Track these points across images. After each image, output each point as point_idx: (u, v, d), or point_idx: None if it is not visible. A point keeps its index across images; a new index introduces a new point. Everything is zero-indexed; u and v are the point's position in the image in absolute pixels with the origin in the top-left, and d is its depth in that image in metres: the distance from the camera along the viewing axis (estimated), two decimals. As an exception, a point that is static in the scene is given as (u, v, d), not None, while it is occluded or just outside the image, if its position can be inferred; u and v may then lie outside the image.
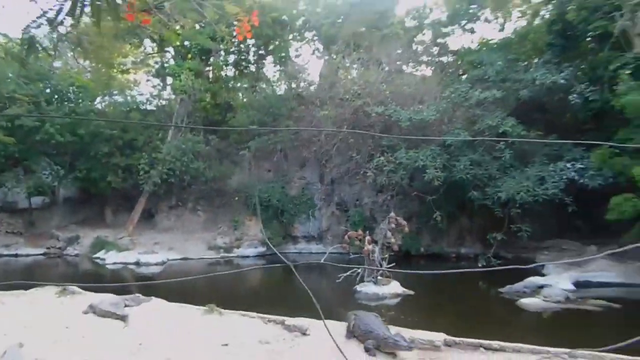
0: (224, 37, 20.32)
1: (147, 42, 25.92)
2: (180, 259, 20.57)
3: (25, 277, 17.21)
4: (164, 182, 22.43)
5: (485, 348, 7.07)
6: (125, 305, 9.00)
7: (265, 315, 9.05)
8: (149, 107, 26.16)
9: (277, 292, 15.11)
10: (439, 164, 17.49)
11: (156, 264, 19.72)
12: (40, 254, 21.76)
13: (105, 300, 9.00)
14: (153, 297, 9.89)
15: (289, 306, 10.84)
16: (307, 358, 6.91)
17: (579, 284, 13.46)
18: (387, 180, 18.72)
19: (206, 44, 23.38)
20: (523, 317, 11.65)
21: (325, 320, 8.80)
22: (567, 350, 6.48)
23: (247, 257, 21.22)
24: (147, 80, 28.57)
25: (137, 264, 19.70)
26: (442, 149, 17.99)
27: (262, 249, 21.71)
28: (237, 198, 23.10)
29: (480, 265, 15.96)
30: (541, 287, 13.03)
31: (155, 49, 27.26)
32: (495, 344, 7.08)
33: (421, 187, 18.77)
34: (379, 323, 7.36)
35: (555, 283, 13.24)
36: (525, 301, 12.14)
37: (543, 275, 14.35)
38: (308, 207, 22.46)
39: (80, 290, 10.50)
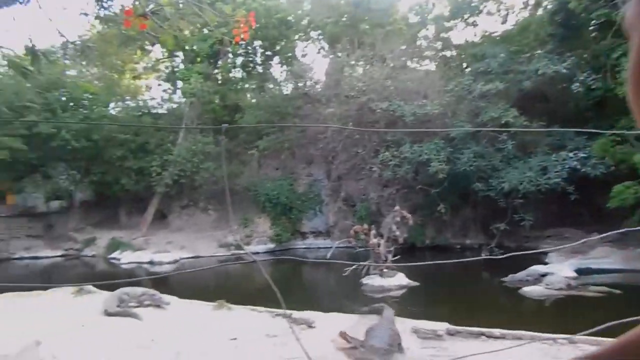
0: (222, 40, 20.76)
1: (157, 47, 26.48)
2: (192, 257, 21.15)
3: (44, 279, 17.93)
4: (175, 183, 23.05)
5: (486, 336, 7.30)
6: (137, 304, 9.53)
7: (273, 310, 9.43)
8: (160, 111, 26.84)
9: (285, 286, 15.55)
10: (442, 157, 17.75)
11: (169, 263, 20.33)
12: (59, 256, 22.54)
13: (120, 297, 9.55)
14: (165, 295, 10.40)
15: (297, 300, 11.26)
16: (312, 349, 7.29)
17: (580, 271, 13.63)
18: (393, 175, 19.04)
19: (204, 49, 23.92)
20: (525, 305, 11.89)
21: (332, 313, 9.19)
22: (568, 336, 6.61)
23: (257, 253, 21.69)
24: (159, 85, 29.23)
25: (151, 263, 20.34)
26: (445, 143, 18.23)
27: (271, 246, 22.19)
28: (247, 196, 23.61)
29: (483, 255, 16.23)
30: (543, 275, 13.20)
31: (165, 54, 27.84)
32: (496, 331, 7.30)
33: (425, 180, 19.04)
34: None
35: (557, 271, 13.41)
36: (528, 289, 12.32)
37: (545, 263, 14.52)
38: (315, 203, 22.87)
39: (96, 289, 11.09)
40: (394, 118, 20.01)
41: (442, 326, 7.85)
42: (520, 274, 13.30)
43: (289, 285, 15.31)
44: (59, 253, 22.67)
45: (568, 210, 17.01)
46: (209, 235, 23.03)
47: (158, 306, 9.59)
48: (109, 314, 8.98)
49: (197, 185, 24.05)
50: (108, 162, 23.31)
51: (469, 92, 18.83)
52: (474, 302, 11.93)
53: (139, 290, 9.87)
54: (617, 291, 11.62)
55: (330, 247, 17.75)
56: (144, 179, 23.50)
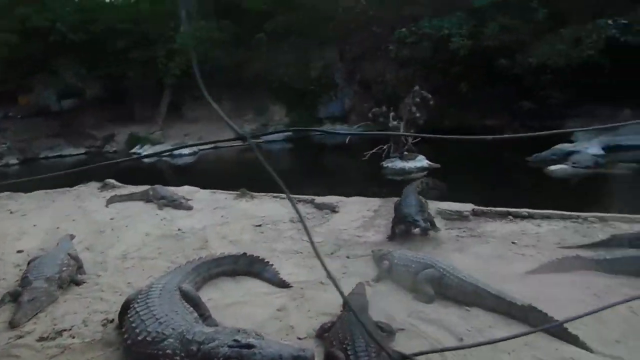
0: None
1: None
2: (212, 148, 21.22)
3: (72, 175, 18.32)
4: (184, 73, 22.26)
5: (513, 216, 7.05)
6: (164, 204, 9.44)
7: (295, 196, 9.44)
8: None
9: (305, 172, 15.61)
10: (465, 32, 16.45)
11: (189, 155, 20.52)
12: (82, 153, 22.91)
13: (147, 194, 9.68)
14: (186, 186, 10.47)
15: (318, 185, 11.27)
16: (335, 231, 7.33)
17: (609, 149, 13.22)
18: (410, 53, 17.93)
19: None
20: (551, 184, 11.60)
21: (355, 197, 9.11)
22: (598, 214, 6.48)
23: (275, 141, 21.63)
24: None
25: (172, 155, 20.54)
26: (468, 15, 16.76)
27: (289, 133, 22.00)
28: (258, 84, 22.84)
29: (506, 135, 15.69)
30: (570, 153, 12.92)
31: None
32: (523, 211, 7.01)
33: (446, 58, 17.92)
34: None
35: (584, 149, 13.06)
36: (554, 168, 12.03)
37: (572, 142, 14.08)
38: (330, 88, 22.06)
39: (120, 184, 11.26)
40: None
41: (467, 207, 7.69)
42: (546, 153, 13.00)
43: (309, 171, 15.35)
44: (82, 150, 23.01)
45: (599, 86, 15.95)
46: (225, 125, 22.76)
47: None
48: (107, 205, 9.43)
49: (207, 75, 23.20)
50: (112, 55, 22.39)
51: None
52: (498, 183, 11.72)
53: (168, 190, 9.69)
54: (648, 168, 11.27)
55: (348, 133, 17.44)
56: (152, 71, 22.74)
